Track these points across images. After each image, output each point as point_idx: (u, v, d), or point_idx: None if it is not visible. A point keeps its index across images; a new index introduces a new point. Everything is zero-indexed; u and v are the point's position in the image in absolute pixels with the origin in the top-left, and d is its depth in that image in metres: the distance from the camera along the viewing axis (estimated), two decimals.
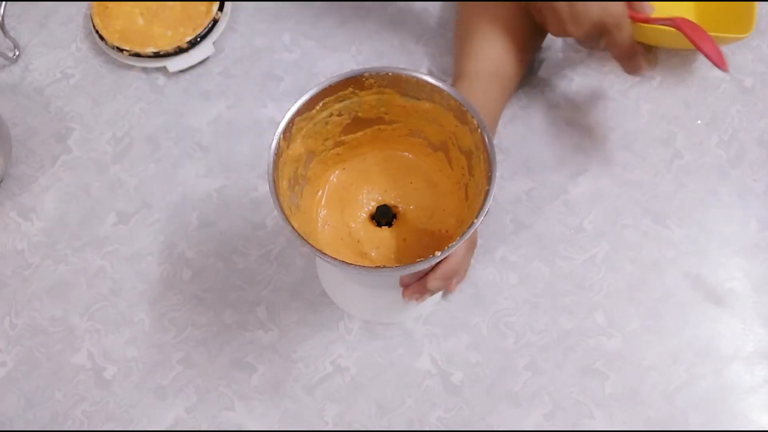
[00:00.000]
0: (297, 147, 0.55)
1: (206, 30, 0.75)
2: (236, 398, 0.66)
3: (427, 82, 0.54)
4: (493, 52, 0.67)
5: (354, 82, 0.54)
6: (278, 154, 0.52)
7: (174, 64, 0.76)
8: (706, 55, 0.60)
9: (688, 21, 0.62)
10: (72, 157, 0.74)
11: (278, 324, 0.67)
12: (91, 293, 0.69)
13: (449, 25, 0.77)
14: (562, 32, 0.63)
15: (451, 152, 0.58)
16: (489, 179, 0.50)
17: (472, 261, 0.68)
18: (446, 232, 0.59)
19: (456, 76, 0.68)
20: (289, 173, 0.55)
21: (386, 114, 0.58)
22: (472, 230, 0.49)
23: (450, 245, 0.49)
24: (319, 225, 0.61)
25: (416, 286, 0.59)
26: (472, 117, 0.52)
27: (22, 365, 0.67)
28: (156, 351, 0.67)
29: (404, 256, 0.59)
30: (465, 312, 0.67)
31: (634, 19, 0.62)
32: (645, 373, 0.65)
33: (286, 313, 0.68)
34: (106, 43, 0.76)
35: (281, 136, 0.52)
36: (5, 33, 0.78)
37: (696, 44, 0.61)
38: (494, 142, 0.72)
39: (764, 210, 0.69)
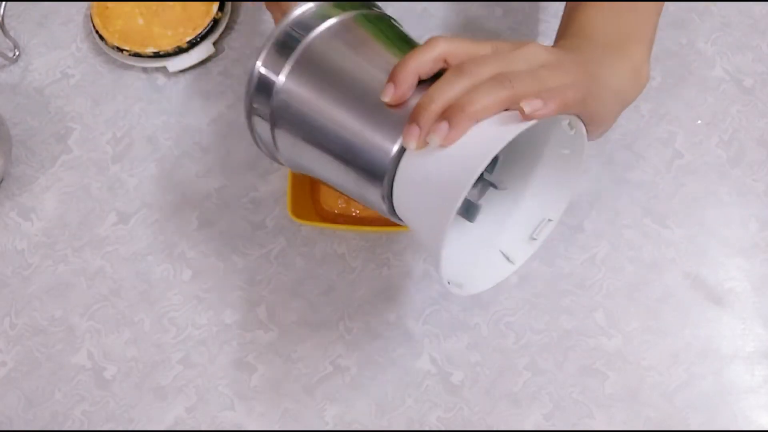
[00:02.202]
0: None
1: (206, 30, 0.75)
2: (236, 398, 0.66)
3: None
4: None
5: None
6: None
7: (174, 64, 0.76)
8: None
9: None
10: (72, 157, 0.74)
11: (278, 324, 0.67)
12: (91, 293, 0.69)
13: (449, 26, 0.77)
14: None
15: None
16: None
17: None
18: None
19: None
20: None
21: None
22: None
23: None
24: None
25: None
26: None
27: (22, 365, 0.68)
28: (156, 351, 0.67)
29: None
30: (465, 312, 0.67)
31: None
32: (645, 373, 0.65)
33: (286, 313, 0.68)
34: (106, 43, 0.76)
35: None
36: (5, 33, 0.78)
37: None
38: None
39: (764, 210, 0.69)
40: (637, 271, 0.67)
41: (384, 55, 0.47)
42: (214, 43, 0.76)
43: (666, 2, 0.77)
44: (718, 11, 0.76)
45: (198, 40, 0.75)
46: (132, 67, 0.77)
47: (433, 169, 0.42)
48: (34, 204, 0.73)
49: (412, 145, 0.42)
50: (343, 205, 0.68)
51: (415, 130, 0.41)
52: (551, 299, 0.67)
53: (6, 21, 0.79)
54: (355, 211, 0.68)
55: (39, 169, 0.74)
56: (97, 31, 0.76)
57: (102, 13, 0.77)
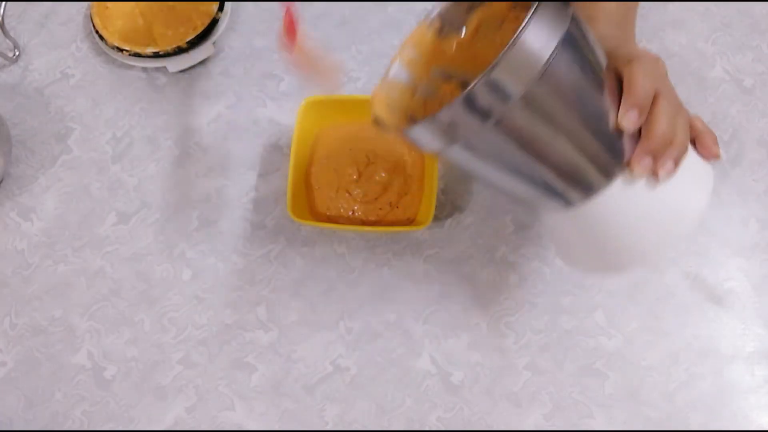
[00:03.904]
0: None
1: (206, 30, 0.75)
2: (236, 398, 0.66)
3: None
4: None
5: None
6: None
7: (174, 64, 0.76)
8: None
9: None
10: (72, 156, 0.74)
11: (278, 324, 0.68)
12: (91, 293, 0.69)
13: None
14: None
15: None
16: None
17: (474, 262, 0.68)
18: None
19: None
20: None
21: None
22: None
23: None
24: None
25: (639, 148, 0.47)
26: None
27: (22, 365, 0.68)
28: (156, 351, 0.67)
29: None
30: (465, 312, 0.67)
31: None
32: (645, 373, 0.65)
33: (286, 313, 0.68)
34: (106, 43, 0.76)
35: None
36: (5, 33, 0.78)
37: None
38: None
39: (764, 210, 0.69)
40: (637, 271, 0.67)
41: (595, 72, 0.47)
42: (214, 43, 0.76)
43: (666, 2, 0.77)
44: (718, 11, 0.76)
45: (198, 40, 0.75)
46: (132, 67, 0.77)
47: (654, 200, 0.48)
48: (34, 204, 0.73)
49: (642, 173, 0.46)
50: (339, 211, 0.68)
51: (648, 161, 0.46)
52: (551, 299, 0.67)
53: (6, 21, 0.79)
54: (351, 212, 0.68)
55: (39, 169, 0.74)
56: (97, 31, 0.76)
57: (102, 13, 0.77)
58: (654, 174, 0.47)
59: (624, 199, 0.48)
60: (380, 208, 0.68)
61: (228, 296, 0.69)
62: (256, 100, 0.75)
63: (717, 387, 0.64)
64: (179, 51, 0.75)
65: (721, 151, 0.71)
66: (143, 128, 0.75)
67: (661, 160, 0.46)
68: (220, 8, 0.76)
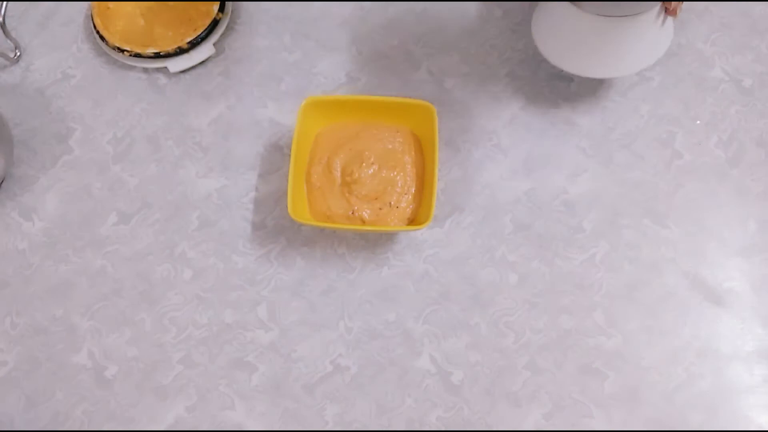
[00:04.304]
0: None
1: (207, 30, 0.76)
2: (236, 398, 0.66)
3: None
4: None
5: None
6: None
7: (175, 64, 0.76)
8: None
9: None
10: (73, 157, 0.74)
11: (278, 324, 0.68)
12: (91, 293, 0.69)
13: (449, 26, 0.77)
14: None
15: None
16: None
17: (473, 262, 0.68)
18: None
19: None
20: None
21: None
22: None
23: None
24: None
25: None
26: None
27: (23, 365, 0.68)
28: (156, 350, 0.67)
29: None
30: (465, 312, 0.67)
31: None
32: (644, 372, 0.65)
33: (286, 313, 0.68)
34: (107, 43, 0.76)
35: None
36: (6, 33, 0.78)
37: None
38: (494, 141, 0.72)
39: (763, 210, 0.69)
40: (637, 271, 0.68)
41: None
42: (215, 44, 0.77)
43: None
44: (718, 11, 0.76)
45: (198, 40, 0.76)
46: (133, 67, 0.77)
47: (654, 34, 0.65)
48: (35, 204, 0.73)
49: (671, 8, 0.62)
50: (339, 211, 0.69)
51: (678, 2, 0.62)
52: (550, 299, 0.67)
53: (7, 21, 0.79)
54: (351, 212, 0.68)
55: (40, 169, 0.74)
56: (98, 32, 0.77)
57: (103, 13, 0.77)
58: (673, 12, 0.62)
59: (641, 23, 0.62)
60: (380, 208, 0.68)
61: (228, 296, 0.69)
62: (256, 101, 0.75)
63: (716, 386, 0.64)
64: (180, 51, 0.75)
65: (721, 152, 0.72)
66: (144, 128, 0.75)
67: (680, 5, 0.62)
68: (221, 8, 0.77)
